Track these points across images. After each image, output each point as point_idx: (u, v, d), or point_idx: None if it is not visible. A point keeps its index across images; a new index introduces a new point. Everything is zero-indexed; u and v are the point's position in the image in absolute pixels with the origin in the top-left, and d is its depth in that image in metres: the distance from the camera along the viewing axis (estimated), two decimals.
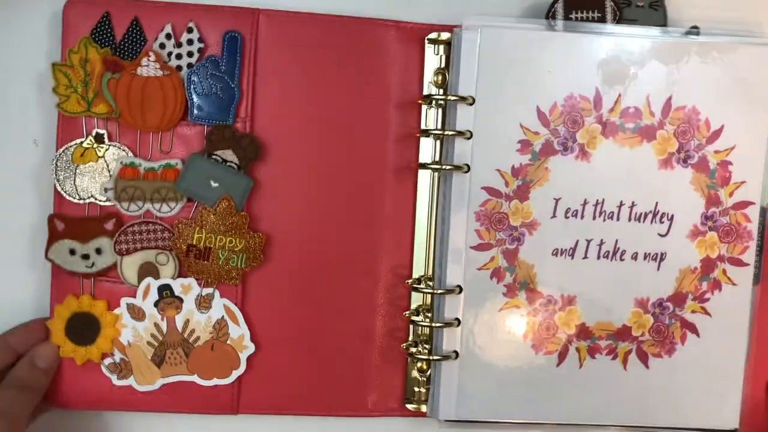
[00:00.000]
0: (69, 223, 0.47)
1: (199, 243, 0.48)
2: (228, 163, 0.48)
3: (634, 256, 0.49)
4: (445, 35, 0.49)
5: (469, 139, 0.48)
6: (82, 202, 0.48)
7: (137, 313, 0.48)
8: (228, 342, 0.49)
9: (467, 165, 0.48)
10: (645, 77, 0.48)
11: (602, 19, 0.49)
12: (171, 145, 0.48)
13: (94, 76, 0.47)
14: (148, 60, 0.47)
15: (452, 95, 0.48)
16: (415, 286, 0.50)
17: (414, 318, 0.50)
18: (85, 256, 0.47)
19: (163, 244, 0.48)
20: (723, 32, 0.49)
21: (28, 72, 0.49)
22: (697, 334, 0.50)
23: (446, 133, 0.48)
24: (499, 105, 0.48)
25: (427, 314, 0.50)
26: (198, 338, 0.49)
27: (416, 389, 0.51)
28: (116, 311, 0.48)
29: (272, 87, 0.49)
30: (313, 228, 0.50)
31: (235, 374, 0.49)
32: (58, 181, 0.47)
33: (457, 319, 0.49)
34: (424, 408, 0.51)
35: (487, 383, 0.49)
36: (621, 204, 0.49)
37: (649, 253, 0.49)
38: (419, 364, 0.50)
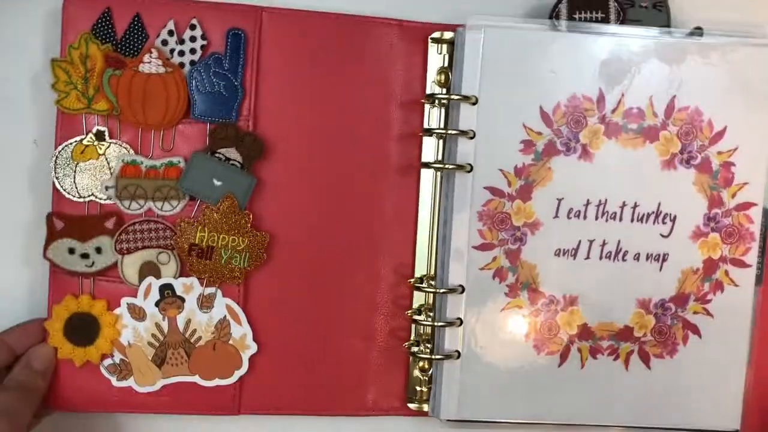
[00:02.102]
0: (68, 221, 0.47)
1: (202, 242, 0.47)
2: (231, 162, 0.47)
3: (636, 257, 0.49)
4: (448, 35, 0.49)
5: (472, 138, 0.48)
6: (81, 200, 0.47)
7: (138, 313, 0.48)
8: (230, 342, 0.48)
9: (470, 164, 0.48)
10: (648, 78, 0.48)
11: (606, 20, 0.49)
12: (173, 143, 0.48)
13: (94, 72, 0.46)
14: (151, 57, 0.47)
15: (455, 95, 0.48)
16: (417, 285, 0.50)
17: (416, 317, 0.50)
18: (85, 256, 0.47)
19: (165, 243, 0.47)
20: (726, 33, 0.49)
21: (25, 68, 0.49)
22: (699, 335, 0.50)
23: (449, 132, 0.48)
24: (503, 105, 0.48)
25: (429, 314, 0.50)
26: (200, 338, 0.48)
27: (418, 388, 0.51)
28: (116, 311, 0.48)
29: (275, 85, 0.49)
30: (316, 227, 0.50)
31: (237, 374, 0.49)
32: (57, 178, 0.47)
33: (459, 318, 0.49)
34: (425, 407, 0.50)
35: (489, 383, 0.49)
36: (623, 204, 0.49)
37: (652, 254, 0.49)
38: (421, 364, 0.50)
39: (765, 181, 0.49)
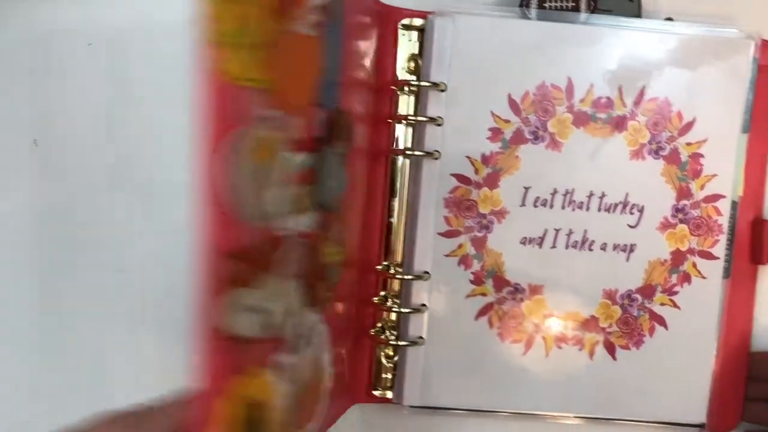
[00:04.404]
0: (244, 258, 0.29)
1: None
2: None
3: (603, 247, 0.49)
4: (418, 21, 0.49)
5: (440, 125, 0.48)
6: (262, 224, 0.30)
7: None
8: None
9: (438, 151, 0.48)
10: (617, 68, 0.48)
11: (576, 8, 0.49)
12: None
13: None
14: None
15: (424, 81, 0.48)
16: (384, 271, 0.50)
17: (382, 304, 0.50)
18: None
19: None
20: (696, 24, 0.49)
21: None
22: (666, 327, 0.50)
23: (418, 119, 0.48)
24: (471, 92, 0.48)
25: (395, 300, 0.50)
26: None
27: (383, 375, 0.51)
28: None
29: None
30: None
31: None
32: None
33: (424, 304, 0.49)
34: (389, 394, 0.51)
35: (453, 370, 0.49)
36: (591, 194, 0.49)
37: (619, 244, 0.49)
38: (386, 350, 0.50)
39: (734, 173, 0.49)
